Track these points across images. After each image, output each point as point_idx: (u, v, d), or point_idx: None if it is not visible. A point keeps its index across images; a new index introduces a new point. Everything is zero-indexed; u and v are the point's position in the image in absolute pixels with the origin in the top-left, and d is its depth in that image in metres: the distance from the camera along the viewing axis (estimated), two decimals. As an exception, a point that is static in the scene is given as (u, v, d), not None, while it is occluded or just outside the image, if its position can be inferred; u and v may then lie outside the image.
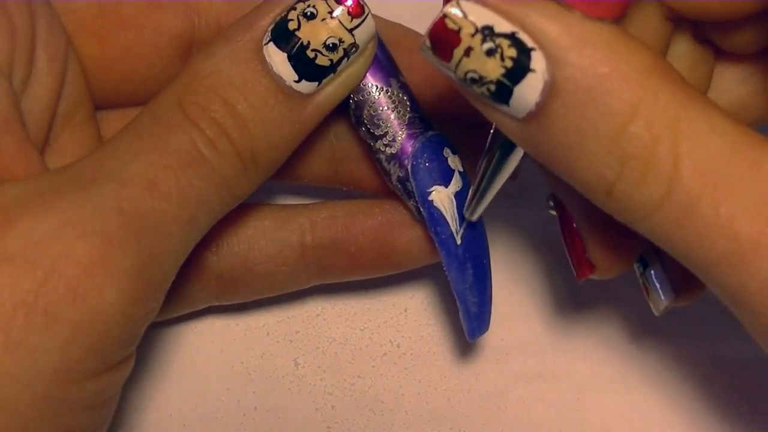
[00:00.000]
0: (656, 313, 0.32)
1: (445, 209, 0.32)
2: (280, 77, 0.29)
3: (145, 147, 0.27)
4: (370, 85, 0.32)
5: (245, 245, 0.34)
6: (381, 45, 0.32)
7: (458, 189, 0.32)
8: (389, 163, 0.33)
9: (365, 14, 0.30)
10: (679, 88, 0.24)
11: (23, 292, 0.24)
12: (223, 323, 0.38)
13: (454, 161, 0.33)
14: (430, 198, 0.32)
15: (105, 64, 0.32)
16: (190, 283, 0.34)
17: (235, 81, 0.29)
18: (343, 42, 0.29)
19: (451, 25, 0.25)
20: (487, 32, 0.25)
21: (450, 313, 0.38)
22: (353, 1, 0.29)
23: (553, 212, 0.32)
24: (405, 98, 0.32)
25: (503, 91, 0.25)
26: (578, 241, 0.31)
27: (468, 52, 0.25)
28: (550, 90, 0.24)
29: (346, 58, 0.30)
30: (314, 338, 0.38)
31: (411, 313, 0.39)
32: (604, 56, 0.24)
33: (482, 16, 0.25)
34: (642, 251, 0.32)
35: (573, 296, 0.39)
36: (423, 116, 0.33)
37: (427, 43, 0.26)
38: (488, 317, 0.34)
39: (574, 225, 0.31)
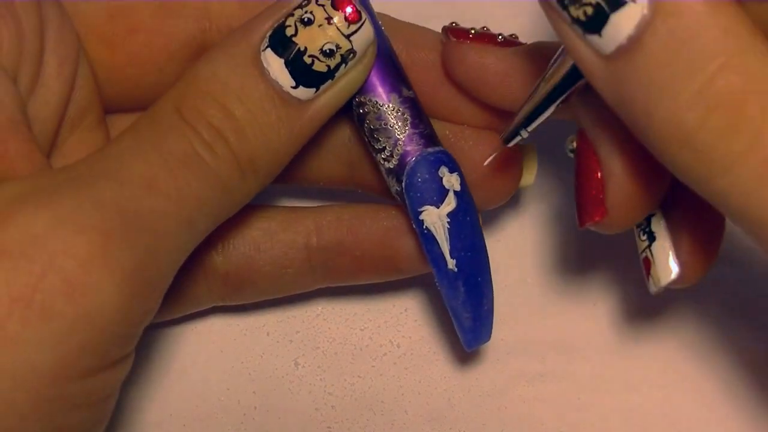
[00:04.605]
0: (654, 290, 0.32)
1: (436, 230, 0.32)
2: (278, 83, 0.29)
3: (144, 148, 0.27)
4: (370, 99, 0.32)
5: (251, 246, 0.34)
6: (388, 55, 0.32)
7: (452, 209, 0.32)
8: (388, 177, 0.33)
9: (362, 20, 0.30)
10: None
11: (21, 286, 0.24)
12: (223, 323, 0.38)
13: (449, 180, 0.32)
14: (420, 218, 0.32)
15: (115, 69, 0.32)
16: (195, 284, 0.34)
17: (233, 86, 0.29)
18: (340, 48, 0.29)
19: None
20: None
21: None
22: (351, 8, 0.29)
23: (572, 154, 0.31)
24: (406, 114, 0.32)
25: (599, 17, 0.25)
26: (595, 182, 0.30)
27: None
28: (646, 25, 0.24)
29: (343, 65, 0.30)
30: (314, 338, 0.38)
31: (411, 313, 0.39)
32: (709, 4, 0.24)
33: None
34: (651, 226, 0.32)
35: (573, 296, 0.39)
36: (425, 131, 0.32)
37: None
38: (485, 330, 0.34)
39: (597, 165, 0.30)
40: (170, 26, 0.32)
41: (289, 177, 0.35)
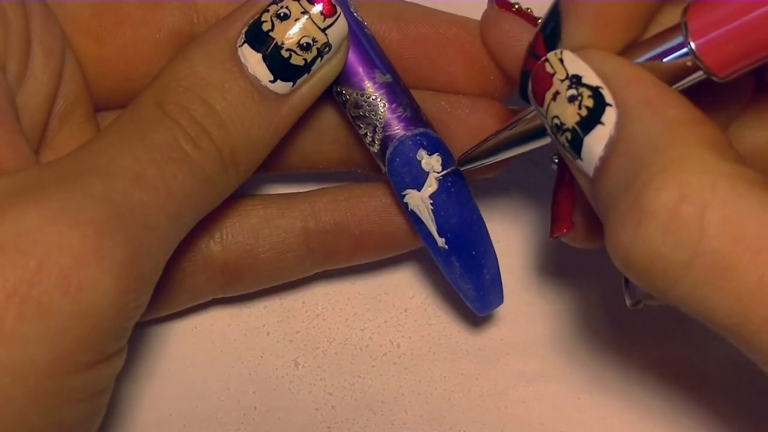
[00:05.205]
0: (629, 304, 0.32)
1: (420, 212, 0.33)
2: (256, 78, 0.30)
3: (130, 142, 0.28)
4: (346, 89, 0.32)
5: (249, 234, 0.35)
6: (360, 43, 0.32)
7: (434, 191, 0.33)
8: (377, 160, 0.33)
9: (337, 14, 0.30)
10: (730, 161, 0.24)
11: (16, 281, 0.24)
12: (223, 323, 0.38)
13: (429, 162, 0.33)
14: (404, 201, 0.33)
15: (103, 63, 0.33)
16: (195, 276, 0.34)
17: (213, 82, 0.29)
18: (316, 42, 0.30)
19: (548, 68, 0.27)
20: (575, 80, 0.27)
21: (450, 313, 0.38)
22: (325, 2, 0.30)
23: (555, 167, 0.32)
24: (382, 100, 0.32)
25: (576, 141, 0.26)
26: (568, 199, 0.32)
27: (555, 96, 0.27)
28: (614, 145, 0.25)
29: (319, 58, 0.30)
30: (314, 338, 0.38)
31: (411, 313, 0.39)
32: (670, 123, 0.25)
33: (576, 66, 0.27)
34: None
35: (573, 297, 0.39)
36: (404, 114, 0.33)
37: (530, 86, 0.28)
38: (493, 297, 0.35)
39: (571, 183, 0.32)
40: (157, 18, 0.33)
41: (288, 165, 0.35)
